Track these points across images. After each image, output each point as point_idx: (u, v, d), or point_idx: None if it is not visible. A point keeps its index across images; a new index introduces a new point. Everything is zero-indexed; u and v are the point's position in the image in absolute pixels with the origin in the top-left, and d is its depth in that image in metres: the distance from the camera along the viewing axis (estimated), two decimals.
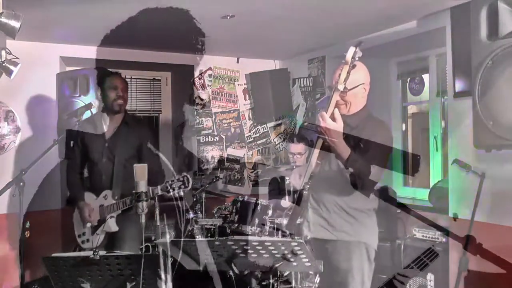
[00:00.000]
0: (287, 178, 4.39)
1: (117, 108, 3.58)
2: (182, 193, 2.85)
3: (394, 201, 4.26)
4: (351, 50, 2.44)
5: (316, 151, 2.58)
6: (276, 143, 5.97)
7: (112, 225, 3.47)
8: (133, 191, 2.32)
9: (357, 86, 2.65)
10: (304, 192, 2.63)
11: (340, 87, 2.47)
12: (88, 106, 3.75)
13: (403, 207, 4.17)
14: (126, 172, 3.48)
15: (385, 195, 4.08)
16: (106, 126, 3.62)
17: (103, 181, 3.55)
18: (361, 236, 2.74)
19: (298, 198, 2.64)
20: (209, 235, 4.24)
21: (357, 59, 2.46)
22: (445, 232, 3.59)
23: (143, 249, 2.42)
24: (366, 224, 2.77)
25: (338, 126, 2.47)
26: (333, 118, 2.47)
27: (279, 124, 5.93)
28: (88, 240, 3.54)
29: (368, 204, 2.77)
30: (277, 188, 4.66)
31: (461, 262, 3.45)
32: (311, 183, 2.62)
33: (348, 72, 2.46)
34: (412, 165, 4.94)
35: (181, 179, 2.90)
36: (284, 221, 3.89)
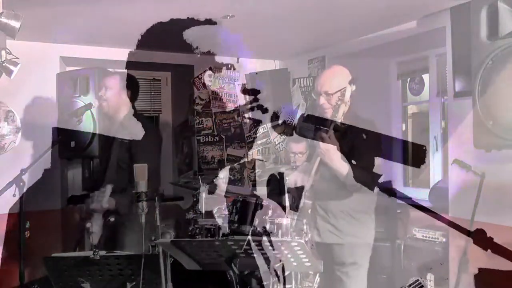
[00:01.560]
0: (286, 178, 4.39)
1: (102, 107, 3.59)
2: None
3: (395, 194, 4.23)
4: (349, 89, 2.55)
5: (315, 166, 2.68)
6: (276, 143, 5.96)
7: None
8: (133, 191, 2.32)
9: (339, 90, 2.73)
10: (306, 201, 2.73)
11: (339, 121, 2.64)
12: (88, 106, 3.75)
13: (406, 201, 4.16)
14: (119, 172, 3.45)
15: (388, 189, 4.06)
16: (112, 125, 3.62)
17: (99, 180, 3.54)
18: (365, 236, 2.93)
19: (298, 198, 2.71)
20: (209, 235, 4.24)
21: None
22: (448, 224, 3.59)
23: (143, 249, 2.42)
24: (368, 224, 2.95)
25: (335, 147, 2.61)
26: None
27: (278, 125, 5.92)
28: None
29: (371, 205, 2.94)
30: (277, 187, 4.64)
31: (461, 262, 3.45)
32: (313, 192, 2.71)
33: (345, 106, 2.64)
34: (417, 157, 4.91)
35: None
36: (284, 221, 3.89)
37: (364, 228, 2.92)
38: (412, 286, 2.41)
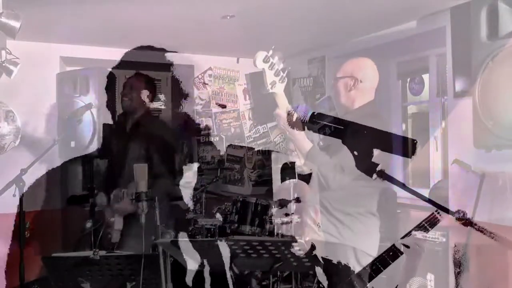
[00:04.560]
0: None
1: (124, 107, 3.62)
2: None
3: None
4: (260, 54, 2.36)
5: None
6: (276, 143, 5.97)
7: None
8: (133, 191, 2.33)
9: (344, 77, 2.73)
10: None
11: (264, 90, 2.53)
12: (88, 106, 3.75)
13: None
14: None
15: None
16: (128, 125, 3.64)
17: (117, 181, 3.54)
18: (347, 239, 2.66)
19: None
20: (209, 235, 4.25)
21: (275, 61, 2.42)
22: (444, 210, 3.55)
23: (143, 249, 2.42)
24: (354, 228, 2.68)
25: (298, 124, 2.57)
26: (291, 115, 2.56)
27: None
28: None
29: (359, 207, 2.70)
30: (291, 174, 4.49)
31: (461, 262, 3.45)
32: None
33: (265, 75, 2.43)
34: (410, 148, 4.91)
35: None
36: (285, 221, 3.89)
37: (345, 230, 2.66)
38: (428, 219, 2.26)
